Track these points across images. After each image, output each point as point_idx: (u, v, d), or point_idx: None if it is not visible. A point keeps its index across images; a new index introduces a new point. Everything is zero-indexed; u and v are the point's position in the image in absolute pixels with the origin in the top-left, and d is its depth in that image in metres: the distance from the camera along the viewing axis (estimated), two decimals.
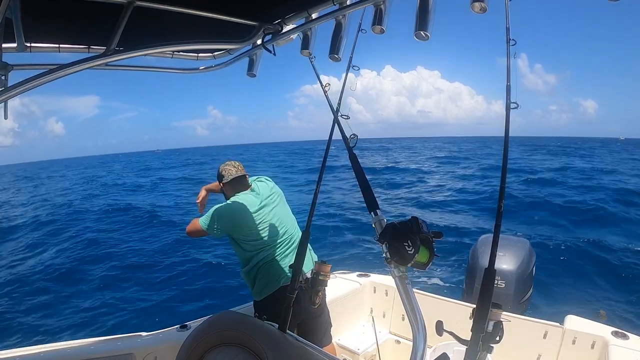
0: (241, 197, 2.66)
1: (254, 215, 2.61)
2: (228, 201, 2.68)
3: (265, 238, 2.60)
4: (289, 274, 2.47)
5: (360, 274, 3.60)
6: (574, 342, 2.53)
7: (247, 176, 2.80)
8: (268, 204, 2.70)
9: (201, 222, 2.64)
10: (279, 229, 2.67)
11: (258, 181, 2.85)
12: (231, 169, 2.75)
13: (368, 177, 1.58)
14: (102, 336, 2.32)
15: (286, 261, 2.60)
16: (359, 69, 1.92)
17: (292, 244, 2.68)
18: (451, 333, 1.19)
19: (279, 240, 2.64)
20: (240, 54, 2.09)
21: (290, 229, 2.74)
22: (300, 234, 2.64)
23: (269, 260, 2.58)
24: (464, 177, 23.11)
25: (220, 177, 2.78)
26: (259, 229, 2.60)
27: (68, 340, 2.24)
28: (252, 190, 2.73)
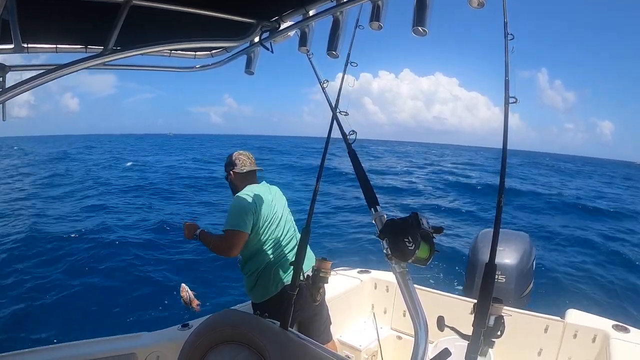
0: (255, 188, 2.61)
1: (267, 206, 2.55)
2: (244, 190, 2.59)
3: (273, 234, 2.56)
4: (290, 276, 2.44)
5: (361, 271, 3.60)
6: (575, 336, 2.53)
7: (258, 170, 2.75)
8: (278, 201, 2.67)
9: (230, 226, 2.43)
10: (285, 228, 2.64)
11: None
12: (246, 160, 2.68)
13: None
14: (103, 336, 2.32)
15: (288, 263, 2.54)
16: (356, 65, 1.91)
17: (295, 246, 2.61)
18: (452, 328, 1.19)
19: (284, 240, 2.60)
20: (238, 52, 2.08)
21: (293, 231, 2.71)
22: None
23: (272, 262, 2.54)
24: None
25: (231, 165, 2.67)
26: (270, 222, 2.55)
27: (70, 340, 2.23)
28: (263, 184, 2.70)
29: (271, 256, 2.54)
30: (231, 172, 2.67)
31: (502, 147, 1.28)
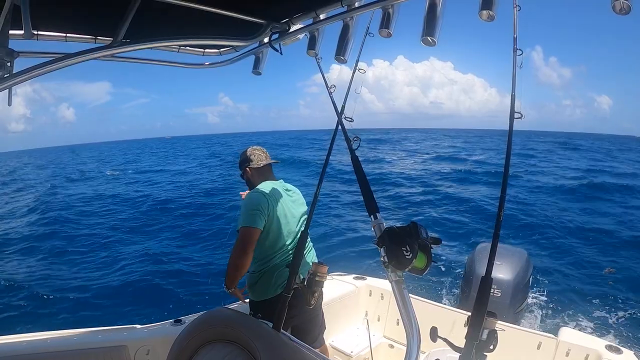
0: (271, 184, 2.53)
1: (282, 205, 2.47)
2: (259, 186, 2.51)
3: (284, 236, 2.46)
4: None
5: (356, 277, 3.59)
6: (567, 354, 2.52)
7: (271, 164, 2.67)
8: (295, 203, 2.59)
9: (242, 224, 2.34)
10: (298, 232, 2.52)
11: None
12: (261, 154, 2.62)
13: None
14: (95, 327, 2.31)
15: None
16: (364, 72, 1.92)
17: (305, 252, 2.47)
18: (445, 340, 1.18)
19: (294, 244, 2.48)
20: (247, 52, 2.09)
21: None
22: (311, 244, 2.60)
23: (278, 265, 2.45)
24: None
25: (247, 161, 2.59)
26: (282, 223, 2.46)
27: (60, 329, 2.22)
28: (281, 182, 2.63)
29: (278, 258, 2.46)
30: (247, 168, 2.60)
31: (504, 165, 1.28)
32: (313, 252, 2.64)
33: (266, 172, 2.62)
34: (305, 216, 2.61)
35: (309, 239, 2.46)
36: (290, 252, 2.49)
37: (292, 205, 2.55)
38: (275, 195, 2.48)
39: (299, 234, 2.53)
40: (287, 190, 2.60)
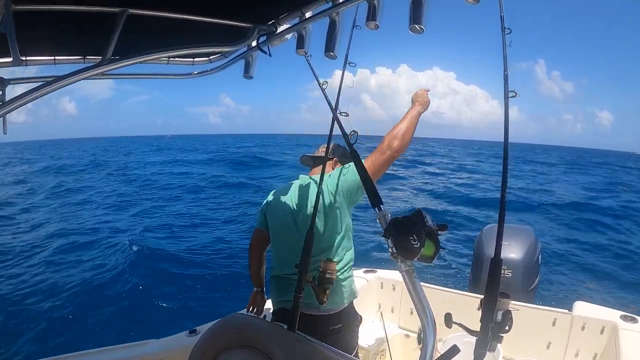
0: (288, 184, 2.29)
1: (281, 203, 2.19)
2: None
3: (279, 242, 2.19)
4: (286, 299, 2.04)
5: (366, 270, 3.60)
6: (583, 328, 2.53)
7: (311, 157, 2.33)
8: (297, 203, 2.16)
9: None
10: (297, 239, 2.00)
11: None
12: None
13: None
14: (109, 345, 2.31)
15: (289, 281, 2.06)
16: (355, 65, 1.91)
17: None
18: (460, 325, 1.18)
19: (292, 251, 2.00)
20: (236, 57, 2.09)
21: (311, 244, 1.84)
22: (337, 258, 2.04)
23: (275, 275, 2.20)
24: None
25: None
26: (273, 226, 2.22)
27: (75, 351, 2.22)
28: (301, 180, 2.25)
29: (275, 268, 2.20)
30: None
31: (503, 142, 1.28)
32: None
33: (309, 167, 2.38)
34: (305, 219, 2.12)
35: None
36: (288, 261, 2.06)
37: (293, 206, 2.16)
38: (280, 193, 2.23)
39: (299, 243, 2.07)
40: (288, 188, 2.24)
